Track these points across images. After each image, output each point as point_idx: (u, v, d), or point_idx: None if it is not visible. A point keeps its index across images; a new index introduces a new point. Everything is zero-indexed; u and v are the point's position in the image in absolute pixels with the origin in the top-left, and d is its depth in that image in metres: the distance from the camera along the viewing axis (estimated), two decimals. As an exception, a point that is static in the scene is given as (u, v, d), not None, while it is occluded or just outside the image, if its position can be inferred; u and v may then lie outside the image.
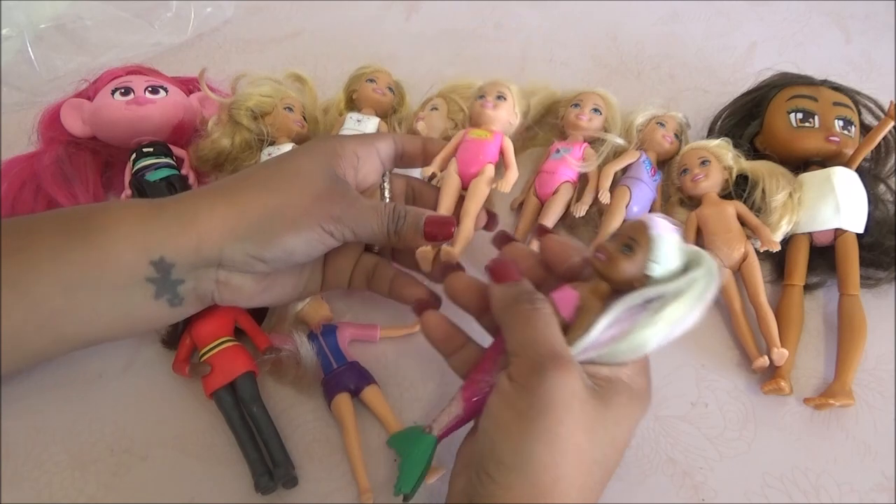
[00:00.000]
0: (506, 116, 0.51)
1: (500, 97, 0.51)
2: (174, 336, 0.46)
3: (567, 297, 0.34)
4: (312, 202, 0.38)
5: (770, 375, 0.45)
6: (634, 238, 0.32)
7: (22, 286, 0.36)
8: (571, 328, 0.33)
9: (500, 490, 0.30)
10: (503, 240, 0.40)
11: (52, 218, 0.39)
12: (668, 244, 0.32)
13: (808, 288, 0.49)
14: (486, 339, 0.39)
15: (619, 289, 0.33)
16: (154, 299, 0.38)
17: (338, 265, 0.45)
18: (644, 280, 0.32)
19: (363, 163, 0.42)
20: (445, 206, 0.46)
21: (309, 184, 0.39)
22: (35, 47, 0.66)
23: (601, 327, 0.32)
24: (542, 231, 0.39)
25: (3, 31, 0.66)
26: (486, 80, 0.53)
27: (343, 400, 0.43)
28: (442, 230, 0.40)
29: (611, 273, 0.33)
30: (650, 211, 0.53)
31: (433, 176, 0.48)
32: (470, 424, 0.37)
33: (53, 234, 0.37)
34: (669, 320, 0.31)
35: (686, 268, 0.32)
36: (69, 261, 0.36)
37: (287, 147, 0.55)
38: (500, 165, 0.48)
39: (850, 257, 0.48)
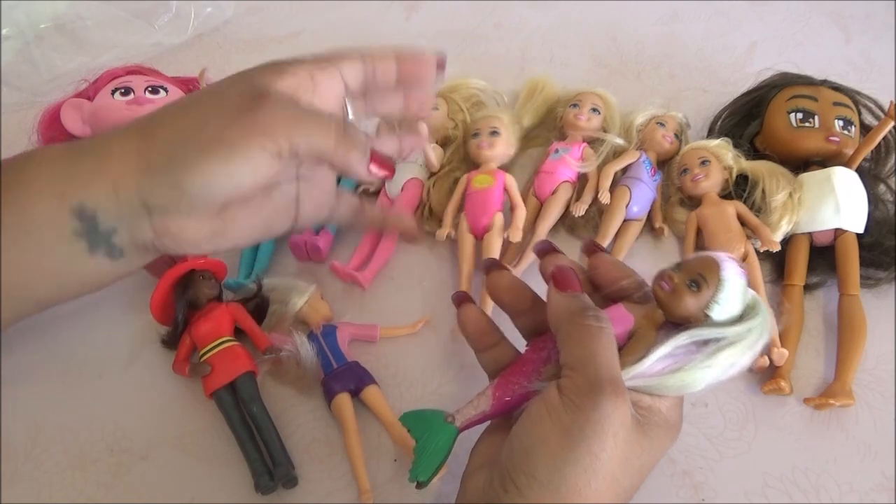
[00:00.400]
0: (503, 151, 0.53)
1: (494, 133, 0.53)
2: (174, 336, 0.46)
3: (622, 318, 0.33)
4: (235, 116, 0.32)
5: (770, 375, 0.45)
6: (703, 275, 0.32)
7: None
8: (622, 352, 0.32)
9: (523, 503, 0.29)
10: (546, 250, 0.37)
11: None
12: (735, 288, 0.32)
13: (808, 288, 0.49)
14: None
15: (674, 320, 0.33)
16: (89, 254, 0.34)
17: (312, 195, 0.39)
18: (702, 318, 0.32)
19: (322, 88, 0.36)
20: (465, 271, 0.49)
21: (230, 97, 0.33)
22: (36, 47, 0.66)
23: (655, 359, 0.31)
24: (592, 248, 0.37)
25: (4, 31, 0.66)
26: (478, 116, 0.55)
27: (343, 400, 0.43)
28: (384, 166, 0.35)
29: (672, 305, 0.32)
30: (650, 211, 0.53)
31: (448, 236, 0.51)
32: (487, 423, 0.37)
33: None
34: (723, 365, 0.31)
35: (744, 313, 0.32)
36: None
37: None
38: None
39: (851, 257, 0.48)
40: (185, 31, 0.69)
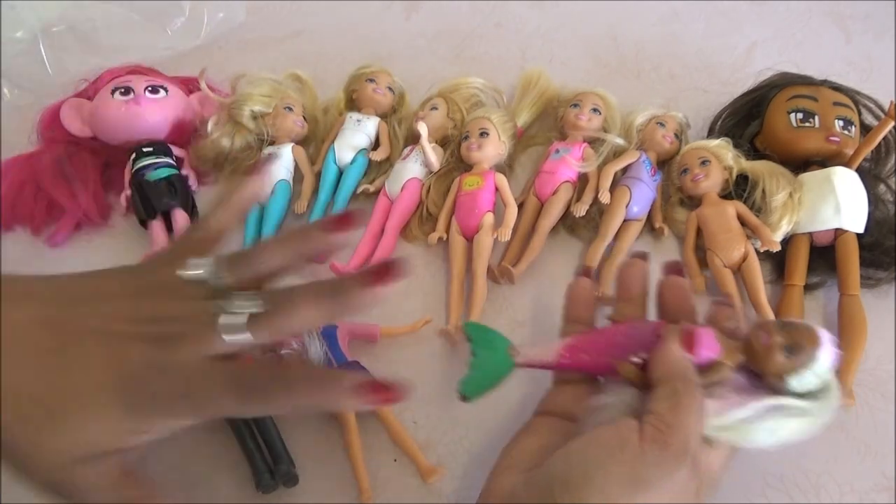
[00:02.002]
0: (493, 151, 0.53)
1: (483, 134, 0.53)
2: None
3: (711, 346, 0.34)
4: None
5: None
6: (802, 345, 0.32)
7: None
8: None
9: None
10: (674, 270, 0.39)
11: None
12: (823, 368, 0.32)
13: (808, 288, 0.49)
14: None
15: (752, 368, 0.34)
16: None
17: None
18: (780, 380, 0.33)
19: None
20: (456, 274, 0.49)
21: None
22: (47, 49, 0.66)
23: (741, 416, 0.32)
24: (673, 269, 0.38)
25: (16, 34, 0.66)
26: (468, 117, 0.55)
27: (343, 400, 0.43)
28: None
29: (761, 359, 0.33)
30: (650, 211, 0.53)
31: (440, 239, 0.51)
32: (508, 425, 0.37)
33: None
34: (789, 432, 0.32)
35: (818, 391, 0.33)
36: None
37: (287, 147, 0.55)
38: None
39: (851, 257, 0.48)
40: (197, 34, 0.68)
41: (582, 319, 0.40)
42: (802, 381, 0.32)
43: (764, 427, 0.32)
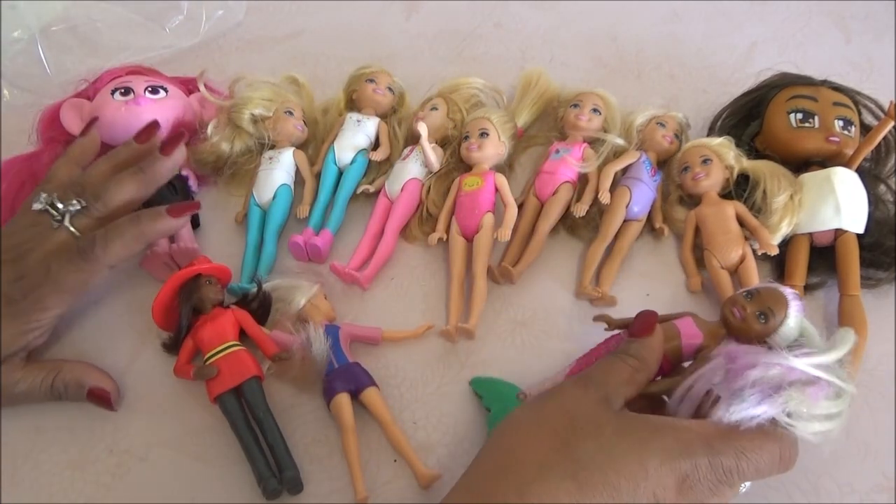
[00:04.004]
0: (493, 151, 0.53)
1: (483, 134, 0.53)
2: (176, 341, 0.46)
3: (693, 335, 0.39)
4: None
5: None
6: (773, 309, 0.37)
7: None
8: (689, 368, 0.37)
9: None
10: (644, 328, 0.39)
11: None
12: (796, 317, 0.37)
13: (808, 288, 0.49)
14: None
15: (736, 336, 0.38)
16: None
17: None
18: (765, 343, 0.37)
19: None
20: (456, 275, 0.49)
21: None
22: (46, 49, 0.66)
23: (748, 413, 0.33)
24: (643, 328, 0.39)
25: (15, 34, 0.66)
26: (468, 118, 0.55)
27: (342, 400, 0.43)
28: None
29: (742, 332, 0.37)
30: (650, 211, 0.53)
31: (440, 240, 0.51)
32: None
33: None
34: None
35: (801, 335, 0.37)
36: None
37: (288, 151, 0.55)
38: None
39: (851, 258, 0.48)
40: (196, 33, 0.68)
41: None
42: (784, 335, 0.37)
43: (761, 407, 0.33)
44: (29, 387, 0.44)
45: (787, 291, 0.37)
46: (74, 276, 0.43)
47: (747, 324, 0.37)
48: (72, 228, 0.44)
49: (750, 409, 0.32)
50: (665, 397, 0.38)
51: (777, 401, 0.32)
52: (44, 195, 0.44)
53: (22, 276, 0.43)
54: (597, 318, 0.43)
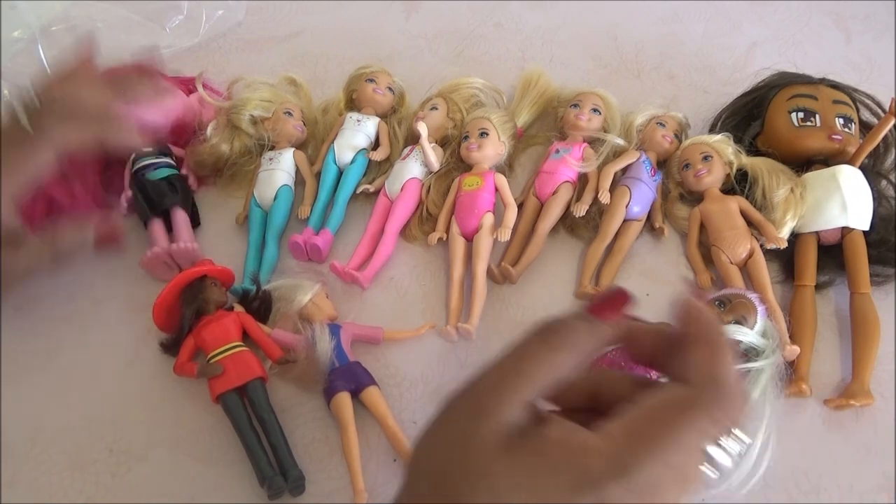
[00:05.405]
0: (492, 151, 0.53)
1: (483, 134, 0.53)
2: (176, 341, 0.46)
3: None
4: None
5: (789, 378, 0.45)
6: (746, 316, 0.42)
7: None
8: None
9: None
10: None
11: None
12: (763, 321, 0.43)
13: (817, 287, 0.49)
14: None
15: None
16: None
17: None
18: (738, 344, 0.41)
19: None
20: (456, 274, 0.49)
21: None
22: (46, 49, 0.66)
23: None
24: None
25: (15, 34, 0.66)
26: (468, 118, 0.55)
27: (342, 400, 0.43)
28: None
29: None
30: (650, 211, 0.53)
31: (440, 240, 0.51)
32: None
33: None
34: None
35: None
36: None
37: (288, 152, 0.55)
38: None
39: (859, 255, 0.48)
40: (196, 32, 0.68)
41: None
42: (750, 339, 0.42)
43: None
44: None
45: (753, 297, 0.42)
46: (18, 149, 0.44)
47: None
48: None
49: None
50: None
51: None
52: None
53: None
54: (579, 295, 0.43)
